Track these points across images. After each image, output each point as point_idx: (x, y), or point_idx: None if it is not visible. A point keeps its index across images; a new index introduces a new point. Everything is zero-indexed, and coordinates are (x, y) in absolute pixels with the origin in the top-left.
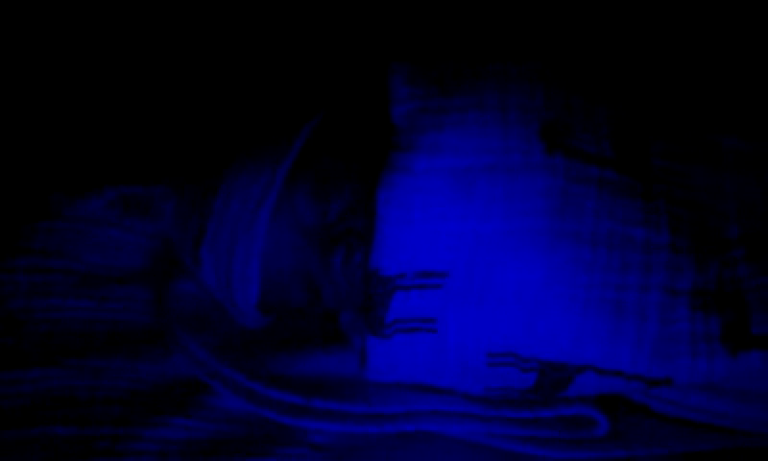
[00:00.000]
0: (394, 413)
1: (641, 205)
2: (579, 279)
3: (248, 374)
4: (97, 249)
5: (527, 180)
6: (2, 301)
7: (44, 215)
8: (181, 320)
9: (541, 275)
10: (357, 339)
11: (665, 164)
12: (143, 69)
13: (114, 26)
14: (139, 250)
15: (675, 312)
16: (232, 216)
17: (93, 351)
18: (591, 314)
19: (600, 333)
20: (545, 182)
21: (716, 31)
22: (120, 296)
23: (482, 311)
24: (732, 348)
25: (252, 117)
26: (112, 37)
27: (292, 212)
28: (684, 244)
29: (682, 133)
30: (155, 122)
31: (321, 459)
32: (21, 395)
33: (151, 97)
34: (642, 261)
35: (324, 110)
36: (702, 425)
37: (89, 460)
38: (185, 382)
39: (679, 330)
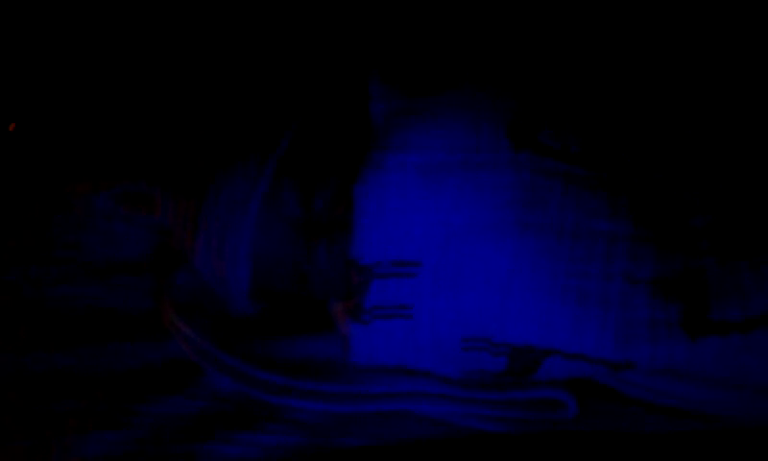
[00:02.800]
0: (373, 393)
1: (606, 197)
2: (545, 268)
3: (238, 356)
4: (104, 240)
5: (495, 175)
6: (17, 290)
7: (58, 209)
8: (178, 307)
9: (509, 264)
10: (342, 325)
11: (631, 157)
12: (139, 82)
13: (120, 36)
14: (142, 242)
15: (636, 299)
16: (223, 209)
17: (97, 335)
18: (557, 301)
19: (565, 319)
20: (512, 178)
21: (683, 29)
22: (123, 284)
23: (454, 298)
24: (692, 333)
25: (240, 119)
26: (114, 53)
27: (279, 205)
28: (646, 234)
29: (648, 128)
30: (153, 127)
31: (303, 434)
32: (26, 376)
33: (150, 105)
34: (605, 251)
35: (308, 110)
36: (667, 409)
37: (89, 433)
38: (181, 364)
39: (639, 317)
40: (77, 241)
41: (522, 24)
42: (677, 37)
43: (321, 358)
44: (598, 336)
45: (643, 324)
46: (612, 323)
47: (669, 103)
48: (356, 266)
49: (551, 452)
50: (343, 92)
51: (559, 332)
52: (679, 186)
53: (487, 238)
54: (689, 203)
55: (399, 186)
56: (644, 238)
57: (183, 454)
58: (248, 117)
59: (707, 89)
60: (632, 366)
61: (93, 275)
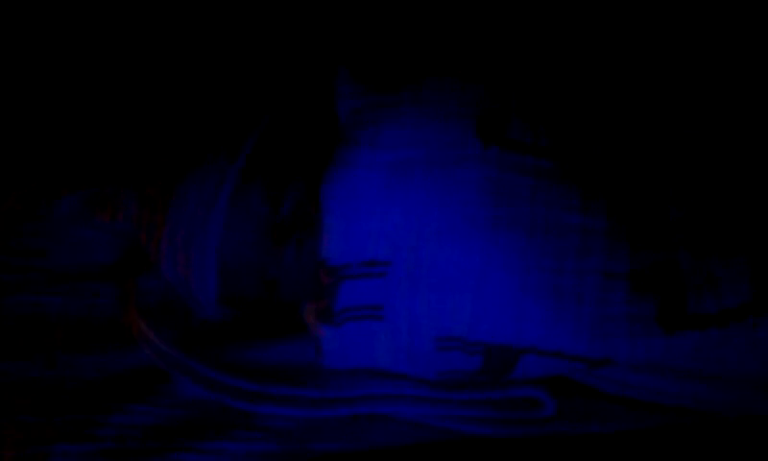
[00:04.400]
0: (347, 397)
1: (579, 191)
2: (516, 265)
3: (207, 363)
4: (69, 247)
5: (464, 171)
6: None
7: (21, 216)
8: (145, 313)
9: (480, 261)
10: (313, 328)
11: (604, 152)
12: (104, 83)
13: (82, 39)
14: (108, 247)
15: (612, 294)
16: (189, 212)
17: (63, 344)
18: (530, 297)
19: (539, 316)
20: (481, 173)
21: (660, 24)
22: (88, 291)
23: (426, 297)
24: (669, 328)
25: (206, 120)
26: (76, 52)
27: (247, 207)
28: (621, 228)
29: (621, 123)
30: (117, 129)
31: (276, 441)
32: None
33: (114, 107)
34: (579, 246)
35: (275, 109)
36: (646, 404)
37: (56, 445)
38: (148, 372)
39: (616, 312)
40: (40, 247)
41: (490, 15)
42: (648, 25)
43: (293, 363)
44: (574, 333)
45: (620, 319)
46: (587, 318)
47: (644, 93)
48: (325, 267)
49: (532, 455)
50: (310, 90)
51: (533, 329)
52: (654, 178)
53: (457, 236)
54: (665, 195)
55: (368, 185)
56: (619, 232)
57: None
58: (213, 118)
59: (683, 80)
60: (609, 362)
61: (57, 282)
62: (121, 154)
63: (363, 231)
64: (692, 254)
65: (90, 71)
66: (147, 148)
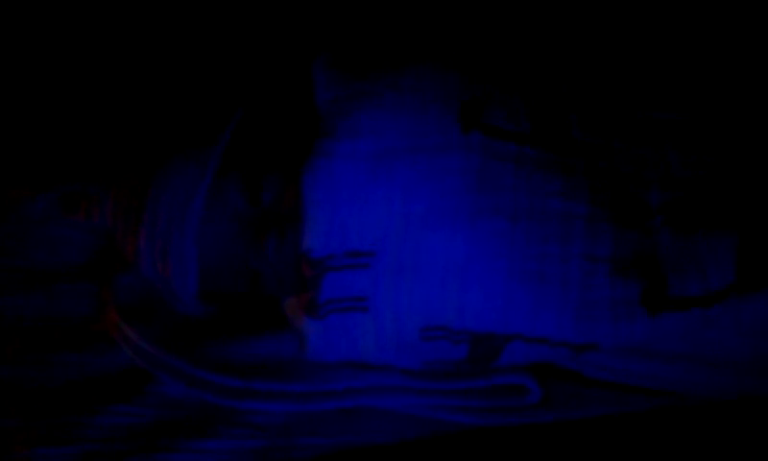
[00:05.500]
0: (333, 390)
1: (560, 177)
2: (501, 252)
3: (189, 360)
4: (44, 247)
5: (445, 159)
6: None
7: None
8: (124, 311)
9: (465, 250)
10: (297, 321)
11: (585, 138)
12: (75, 75)
13: (48, 31)
14: (83, 245)
15: (595, 278)
16: (166, 208)
17: (40, 346)
18: (515, 284)
19: (525, 303)
20: (463, 161)
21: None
22: (66, 291)
23: (410, 288)
24: (651, 310)
25: (181, 112)
26: (45, 42)
27: (225, 201)
28: (602, 213)
29: (601, 108)
30: (88, 123)
31: (261, 437)
32: None
33: (83, 101)
34: (561, 232)
35: (251, 100)
36: (632, 388)
37: (34, 449)
38: (130, 372)
39: (600, 296)
40: (14, 248)
41: (468, 2)
42: (624, 9)
43: (278, 357)
44: (558, 318)
45: (604, 303)
46: (571, 304)
47: (623, 76)
48: (308, 259)
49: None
50: (287, 80)
51: (519, 316)
52: (635, 161)
53: (440, 224)
54: (646, 178)
55: (349, 175)
56: (601, 216)
57: None
58: (189, 111)
59: (662, 62)
60: (594, 347)
61: (33, 283)
62: (95, 151)
63: (346, 222)
64: (674, 236)
65: (63, 69)
66: (121, 145)
